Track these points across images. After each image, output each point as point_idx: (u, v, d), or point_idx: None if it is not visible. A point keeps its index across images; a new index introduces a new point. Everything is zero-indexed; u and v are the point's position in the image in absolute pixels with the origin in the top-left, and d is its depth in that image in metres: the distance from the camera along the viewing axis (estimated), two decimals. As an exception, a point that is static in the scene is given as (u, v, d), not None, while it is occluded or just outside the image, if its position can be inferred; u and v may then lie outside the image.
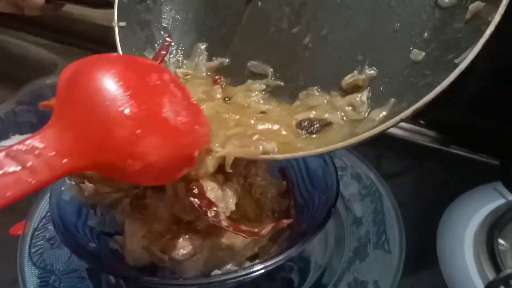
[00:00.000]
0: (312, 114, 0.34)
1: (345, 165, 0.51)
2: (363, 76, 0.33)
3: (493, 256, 0.50)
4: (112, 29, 1.08)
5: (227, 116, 0.35)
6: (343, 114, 0.33)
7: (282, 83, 0.38)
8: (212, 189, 0.34)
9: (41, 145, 0.24)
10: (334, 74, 0.35)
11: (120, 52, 0.42)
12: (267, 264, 0.32)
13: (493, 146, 0.66)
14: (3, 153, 0.23)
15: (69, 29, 1.11)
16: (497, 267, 0.49)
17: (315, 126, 0.33)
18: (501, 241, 0.52)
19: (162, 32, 0.44)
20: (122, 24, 0.44)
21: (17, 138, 0.75)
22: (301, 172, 0.44)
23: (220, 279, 0.31)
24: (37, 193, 0.50)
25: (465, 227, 0.54)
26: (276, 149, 0.32)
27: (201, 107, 0.33)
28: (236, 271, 0.32)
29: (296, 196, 0.41)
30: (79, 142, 0.25)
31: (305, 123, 0.33)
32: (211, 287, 0.34)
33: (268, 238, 0.37)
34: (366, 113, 0.32)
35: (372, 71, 0.34)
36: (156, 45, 0.44)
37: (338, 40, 0.36)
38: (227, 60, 0.41)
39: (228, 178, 0.34)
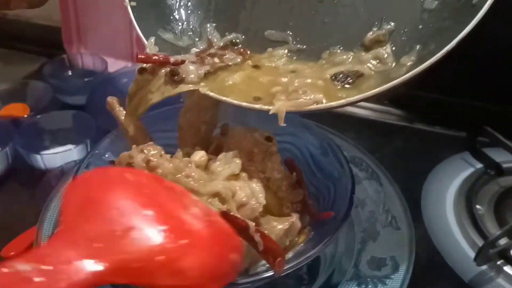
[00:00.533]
0: (342, 68, 0.35)
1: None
2: (383, 31, 0.35)
3: (474, 220, 0.55)
4: (51, 28, 1.03)
5: (261, 79, 0.35)
6: (371, 66, 0.35)
7: (304, 46, 0.39)
8: (241, 188, 0.34)
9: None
10: (354, 34, 0.37)
11: (138, 31, 0.42)
12: (309, 254, 0.33)
13: (455, 120, 0.71)
14: None
15: (4, 31, 1.05)
16: (480, 231, 0.53)
17: (349, 78, 0.34)
18: (478, 206, 0.57)
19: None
20: (133, 3, 0.42)
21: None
22: (307, 161, 0.46)
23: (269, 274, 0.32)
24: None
25: (444, 196, 0.59)
26: (324, 99, 0.33)
27: (234, 76, 0.34)
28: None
29: (308, 186, 0.43)
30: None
31: (340, 76, 0.34)
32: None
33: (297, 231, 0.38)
34: (393, 64, 0.34)
35: (390, 26, 0.36)
36: (167, 26, 0.43)
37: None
38: (242, 36, 0.42)
39: (251, 176, 0.35)
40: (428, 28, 0.34)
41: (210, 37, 0.42)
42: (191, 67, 0.37)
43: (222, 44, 0.41)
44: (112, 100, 0.44)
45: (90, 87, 0.81)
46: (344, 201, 0.37)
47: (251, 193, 0.35)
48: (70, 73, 0.90)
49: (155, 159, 0.36)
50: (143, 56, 0.38)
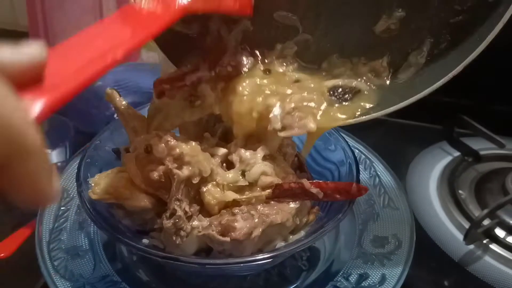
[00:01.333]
0: (340, 82, 0.37)
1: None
2: (393, 19, 0.36)
3: (459, 205, 0.57)
4: (16, 33, 1.00)
5: (267, 90, 0.36)
6: (367, 80, 0.36)
7: (310, 37, 0.40)
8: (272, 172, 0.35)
9: None
10: (364, 23, 0.38)
11: None
12: (320, 232, 0.34)
13: (432, 113, 0.74)
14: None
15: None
16: (464, 213, 0.56)
17: (346, 95, 0.36)
18: (460, 191, 0.60)
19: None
20: None
21: None
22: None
23: (291, 248, 0.33)
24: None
25: (427, 183, 0.61)
26: (315, 128, 0.34)
27: (243, 84, 0.35)
28: (301, 240, 0.34)
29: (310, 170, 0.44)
30: None
31: (338, 91, 0.36)
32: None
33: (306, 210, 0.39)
34: (389, 78, 0.36)
35: (400, 13, 0.37)
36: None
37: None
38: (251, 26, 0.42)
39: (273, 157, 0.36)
40: (440, 18, 0.35)
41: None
42: (208, 90, 0.38)
43: (233, 41, 0.41)
44: (111, 91, 0.44)
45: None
46: (351, 178, 0.38)
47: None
48: None
49: (173, 141, 0.35)
50: (162, 81, 0.38)
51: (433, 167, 0.65)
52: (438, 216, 0.56)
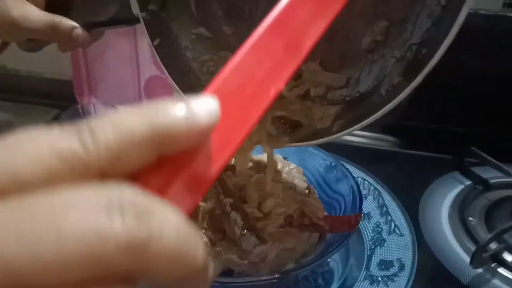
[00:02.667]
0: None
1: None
2: (378, 28, 0.38)
3: (468, 230, 0.61)
4: (62, 81, 1.10)
5: None
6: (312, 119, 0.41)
7: None
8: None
9: None
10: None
11: (166, 72, 0.43)
12: (329, 254, 0.39)
13: (443, 144, 0.78)
14: None
15: (18, 86, 1.11)
16: (473, 238, 0.60)
17: (286, 126, 0.41)
18: (470, 218, 0.63)
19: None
20: (156, 42, 0.43)
21: None
22: (316, 179, 0.53)
23: (296, 271, 0.38)
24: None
25: (439, 211, 0.65)
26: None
27: None
28: (310, 262, 0.39)
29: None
30: None
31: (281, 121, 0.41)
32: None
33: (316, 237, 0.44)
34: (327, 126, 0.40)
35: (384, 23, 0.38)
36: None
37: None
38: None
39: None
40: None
41: None
42: None
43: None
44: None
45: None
46: (354, 209, 0.44)
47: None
48: (85, 121, 0.97)
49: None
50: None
51: (446, 195, 0.69)
52: (449, 242, 0.60)
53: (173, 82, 0.43)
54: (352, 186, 0.47)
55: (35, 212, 0.13)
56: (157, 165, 0.16)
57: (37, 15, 0.48)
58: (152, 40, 0.43)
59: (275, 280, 0.38)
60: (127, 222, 0.13)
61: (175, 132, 0.16)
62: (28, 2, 0.49)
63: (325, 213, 0.47)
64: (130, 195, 0.14)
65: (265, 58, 0.20)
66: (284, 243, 0.41)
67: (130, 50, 0.94)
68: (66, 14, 0.50)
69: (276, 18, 0.21)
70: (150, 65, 0.95)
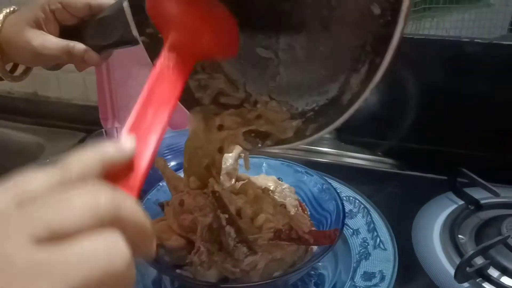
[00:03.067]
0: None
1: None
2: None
3: (457, 247, 0.65)
4: (88, 107, 1.18)
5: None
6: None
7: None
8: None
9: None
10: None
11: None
12: (311, 263, 0.45)
13: (439, 165, 0.83)
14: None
15: (48, 112, 1.20)
16: (461, 254, 0.64)
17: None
18: (460, 236, 0.68)
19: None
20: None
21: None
22: (309, 199, 0.58)
23: (281, 277, 0.44)
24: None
25: (431, 229, 0.69)
26: None
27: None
28: (293, 270, 0.45)
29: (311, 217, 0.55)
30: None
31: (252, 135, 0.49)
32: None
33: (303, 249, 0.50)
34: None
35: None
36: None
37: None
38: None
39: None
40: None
41: None
42: None
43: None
44: (159, 159, 0.57)
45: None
46: (337, 224, 0.49)
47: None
48: None
49: (200, 198, 0.49)
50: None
51: (439, 214, 0.73)
52: (438, 258, 0.64)
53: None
54: (337, 206, 0.52)
55: (56, 200, 0.23)
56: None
57: (54, 42, 0.56)
58: (152, 60, 0.49)
59: (264, 286, 0.44)
60: (108, 195, 0.23)
61: (112, 155, 0.28)
62: (44, 32, 0.57)
63: (313, 228, 0.53)
64: (101, 184, 0.24)
65: (150, 110, 0.35)
66: (273, 254, 0.46)
67: (150, 79, 1.02)
68: (79, 38, 0.57)
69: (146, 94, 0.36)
70: (168, 92, 1.02)
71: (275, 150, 0.48)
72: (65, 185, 0.24)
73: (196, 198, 0.48)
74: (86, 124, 1.14)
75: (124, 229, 0.23)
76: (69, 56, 0.56)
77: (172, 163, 0.95)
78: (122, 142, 0.29)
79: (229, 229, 0.45)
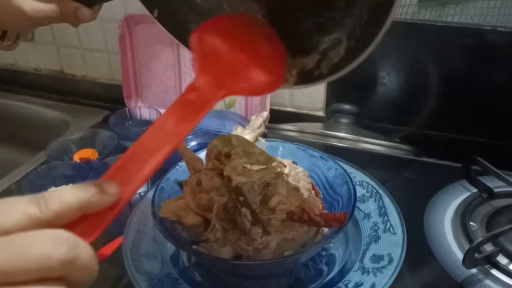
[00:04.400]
0: None
1: (350, 174, 0.67)
2: None
3: (467, 234, 0.66)
4: (114, 86, 1.20)
5: None
6: None
7: None
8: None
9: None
10: None
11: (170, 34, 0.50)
12: (321, 244, 0.47)
13: (455, 153, 0.84)
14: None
15: (74, 90, 1.23)
16: (471, 241, 0.65)
17: None
18: (471, 223, 0.69)
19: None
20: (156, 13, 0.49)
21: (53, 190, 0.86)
22: (323, 183, 0.60)
23: (293, 256, 0.47)
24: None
25: (443, 215, 0.71)
26: None
27: None
28: (304, 250, 0.47)
29: (323, 200, 0.58)
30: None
31: None
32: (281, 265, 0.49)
33: (314, 230, 0.52)
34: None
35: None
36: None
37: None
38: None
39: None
40: None
41: None
42: None
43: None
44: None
45: (146, 134, 0.97)
46: (348, 208, 0.51)
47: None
48: (130, 123, 1.04)
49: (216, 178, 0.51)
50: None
51: (452, 201, 0.74)
52: (449, 244, 0.66)
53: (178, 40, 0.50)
54: (349, 190, 0.54)
55: (15, 243, 0.25)
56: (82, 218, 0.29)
57: (44, 5, 0.55)
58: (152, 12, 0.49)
59: (276, 264, 0.46)
60: (64, 249, 0.25)
61: (93, 204, 0.29)
62: None
63: (324, 210, 0.55)
64: (66, 234, 0.26)
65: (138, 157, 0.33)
66: (285, 234, 0.49)
67: (173, 59, 1.04)
68: None
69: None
70: (190, 72, 1.05)
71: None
72: (37, 223, 0.27)
73: (213, 178, 0.50)
74: (110, 102, 1.15)
75: (71, 277, 0.26)
76: (62, 15, 0.56)
77: (193, 143, 0.98)
78: (106, 188, 0.30)
79: (245, 211, 0.48)
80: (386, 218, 0.59)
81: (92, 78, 1.23)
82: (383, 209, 0.61)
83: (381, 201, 0.62)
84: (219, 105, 1.18)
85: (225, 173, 0.50)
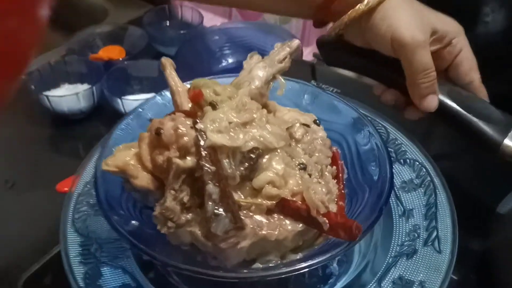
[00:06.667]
0: None
1: (399, 148, 0.48)
2: None
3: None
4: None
5: None
6: None
7: None
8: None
9: None
10: None
11: None
12: (311, 262, 0.30)
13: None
14: None
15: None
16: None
17: None
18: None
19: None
20: None
21: (66, 87, 0.76)
22: (352, 159, 0.42)
23: (260, 274, 0.30)
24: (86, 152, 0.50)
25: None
26: None
27: None
28: (279, 267, 0.31)
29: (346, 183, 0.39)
30: None
31: None
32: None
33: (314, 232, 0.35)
34: None
35: None
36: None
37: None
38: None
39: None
40: None
41: None
42: None
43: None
44: (165, 61, 0.43)
45: (183, 39, 0.83)
46: (372, 210, 0.33)
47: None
48: (168, 23, 0.93)
49: (183, 129, 0.34)
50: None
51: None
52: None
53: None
54: (383, 177, 0.35)
55: None
56: None
57: None
58: None
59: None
60: None
61: None
62: None
63: (341, 202, 0.37)
64: None
65: None
66: (267, 232, 0.32)
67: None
68: None
69: None
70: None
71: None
72: None
73: (181, 127, 0.34)
74: (155, -5, 1.03)
75: None
76: None
77: (230, 61, 0.82)
78: None
79: (212, 189, 0.32)
80: (433, 224, 0.41)
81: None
82: (433, 209, 0.42)
83: (433, 195, 0.43)
84: (273, 19, 1.00)
85: (197, 126, 0.33)
